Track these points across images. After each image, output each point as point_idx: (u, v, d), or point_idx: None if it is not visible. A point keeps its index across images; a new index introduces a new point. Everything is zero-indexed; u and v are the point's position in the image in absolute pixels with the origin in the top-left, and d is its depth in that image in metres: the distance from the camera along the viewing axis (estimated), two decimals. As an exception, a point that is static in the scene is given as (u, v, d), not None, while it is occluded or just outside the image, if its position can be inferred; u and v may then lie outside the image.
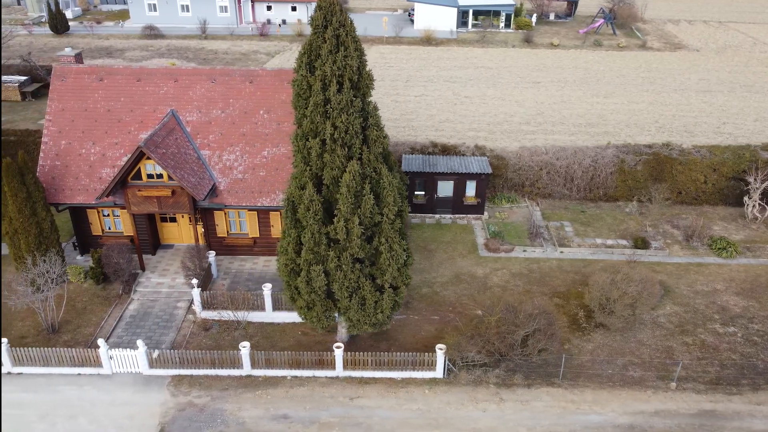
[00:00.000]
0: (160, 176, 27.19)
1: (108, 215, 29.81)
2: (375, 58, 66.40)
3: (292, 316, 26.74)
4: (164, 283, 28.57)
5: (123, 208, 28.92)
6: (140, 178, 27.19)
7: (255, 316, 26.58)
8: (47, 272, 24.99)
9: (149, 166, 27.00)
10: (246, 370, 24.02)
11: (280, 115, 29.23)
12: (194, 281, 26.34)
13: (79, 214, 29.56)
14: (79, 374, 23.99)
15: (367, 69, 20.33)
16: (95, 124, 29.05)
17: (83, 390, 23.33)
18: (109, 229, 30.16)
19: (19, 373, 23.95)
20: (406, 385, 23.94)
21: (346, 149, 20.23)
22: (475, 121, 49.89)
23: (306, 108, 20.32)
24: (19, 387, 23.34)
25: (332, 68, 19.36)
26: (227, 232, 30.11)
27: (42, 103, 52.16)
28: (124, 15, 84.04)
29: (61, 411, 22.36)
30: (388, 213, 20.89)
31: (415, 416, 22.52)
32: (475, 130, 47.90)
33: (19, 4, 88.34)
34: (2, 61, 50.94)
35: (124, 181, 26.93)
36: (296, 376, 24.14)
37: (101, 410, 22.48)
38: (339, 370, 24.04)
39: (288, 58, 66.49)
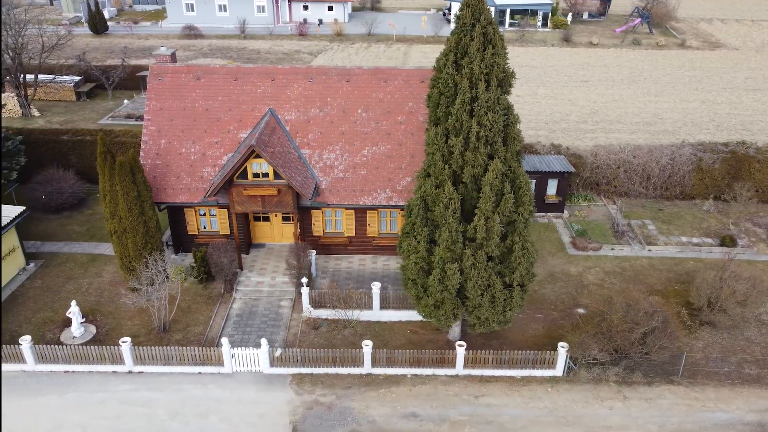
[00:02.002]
0: (265, 175, 27.18)
1: (204, 214, 29.81)
2: (418, 58, 66.48)
3: (399, 315, 26.78)
4: (264, 282, 28.55)
5: (222, 207, 28.93)
6: (245, 177, 27.19)
7: (361, 315, 26.54)
8: (164, 271, 25.01)
9: (255, 165, 27.00)
10: (366, 368, 24.03)
11: (378, 114, 29.22)
12: (304, 280, 26.34)
13: (176, 213, 29.57)
14: (200, 373, 23.99)
15: (509, 66, 20.31)
16: (194, 124, 29.06)
17: (207, 388, 23.33)
18: (205, 228, 30.17)
19: (140, 372, 23.96)
20: (527, 383, 23.94)
21: (488, 147, 20.24)
22: (532, 120, 49.91)
23: (448, 106, 20.32)
24: (144, 386, 23.35)
25: (480, 66, 19.36)
26: (323, 231, 30.10)
27: (96, 103, 52.26)
28: (158, 15, 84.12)
29: (191, 410, 22.37)
30: (523, 212, 20.89)
31: (543, 414, 22.52)
32: (534, 128, 47.93)
33: (51, 4, 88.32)
34: (60, 62, 50.96)
35: (229, 180, 26.93)
36: (416, 375, 24.15)
37: (229, 408, 22.48)
38: (459, 369, 24.05)
39: (331, 57, 66.55)
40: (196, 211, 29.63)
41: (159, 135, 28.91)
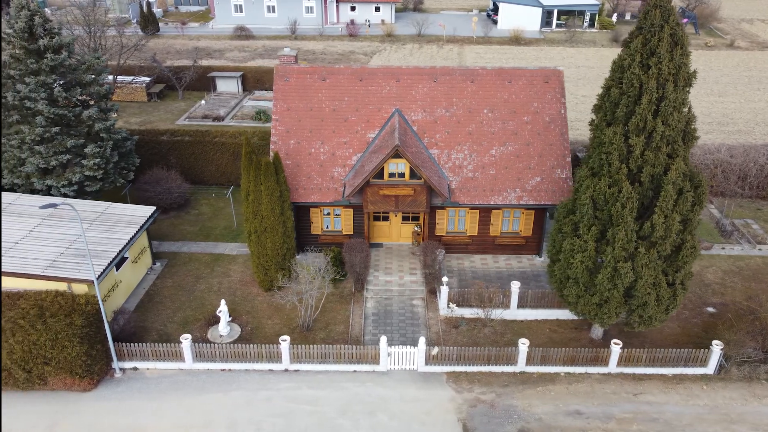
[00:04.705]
0: (401, 175, 27.40)
1: (329, 214, 29.98)
2: (473, 59, 66.65)
3: (535, 314, 26.96)
4: (393, 281, 28.73)
5: (351, 207, 29.09)
6: (381, 177, 27.41)
7: (498, 313, 26.70)
8: (319, 270, 25.18)
9: (392, 165, 27.23)
10: (520, 366, 24.20)
11: (504, 114, 29.40)
12: (444, 279, 26.51)
13: (301, 212, 29.73)
14: (355, 371, 24.16)
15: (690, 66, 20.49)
16: (322, 124, 29.25)
17: (366, 386, 23.50)
18: (327, 228, 30.33)
19: (295, 370, 24.14)
20: (680, 381, 24.12)
21: (669, 147, 20.44)
22: (605, 120, 50.10)
23: (628, 106, 20.48)
24: (304, 384, 23.52)
25: (668, 66, 19.55)
26: (445, 230, 30.28)
27: (167, 104, 52.46)
28: (203, 16, 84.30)
29: (358, 407, 22.53)
30: (698, 210, 21.09)
31: (706, 412, 22.69)
32: (610, 129, 48.09)
33: (95, 5, 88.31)
34: (140, 63, 51.26)
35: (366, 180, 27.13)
36: (569, 373, 24.32)
37: (394, 406, 22.65)
38: (612, 367, 24.22)
39: (387, 57, 66.74)
40: (321, 211, 29.80)
41: (288, 135, 29.10)
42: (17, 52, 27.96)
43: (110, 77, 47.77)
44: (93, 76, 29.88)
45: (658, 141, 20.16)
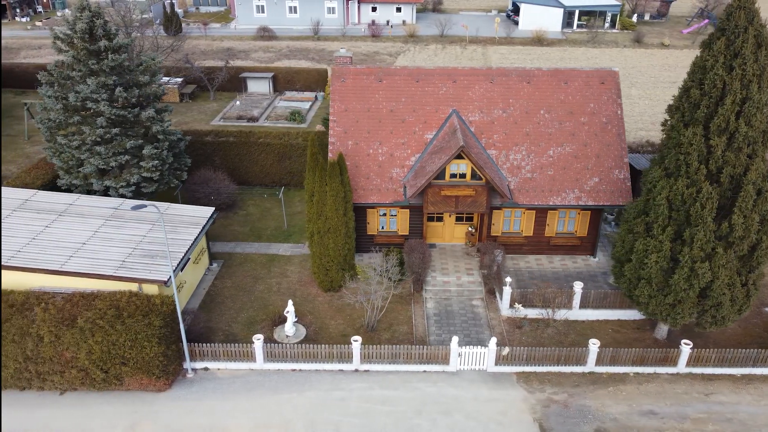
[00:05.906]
0: (462, 176, 27.50)
1: (384, 215, 30.04)
2: (498, 59, 66.76)
3: (597, 314, 27.04)
4: (450, 281, 28.81)
5: (408, 207, 29.17)
6: (442, 178, 27.50)
7: (562, 314, 26.78)
8: (387, 271, 25.26)
9: (453, 166, 27.32)
10: (589, 366, 24.28)
11: (561, 115, 29.49)
12: (507, 279, 26.58)
13: (358, 213, 29.78)
14: (425, 371, 24.24)
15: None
16: (379, 125, 29.33)
17: (438, 386, 23.57)
18: (383, 228, 30.40)
19: (365, 370, 24.21)
20: (749, 381, 24.20)
21: (749, 147, 20.53)
22: (638, 120, 50.28)
23: (709, 107, 20.56)
24: (377, 384, 23.59)
25: (753, 68, 19.64)
26: (501, 231, 30.36)
27: (199, 105, 52.55)
28: (223, 17, 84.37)
29: (432, 407, 22.60)
30: (775, 210, 21.19)
31: (779, 412, 22.79)
32: (644, 129, 48.32)
33: (113, 5, 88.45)
34: (171, 64, 51.32)
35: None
36: (638, 373, 24.40)
37: (469, 406, 22.71)
38: (680, 367, 24.30)
39: (412, 58, 66.84)
40: (377, 212, 29.87)
41: (346, 136, 29.18)
42: (78, 53, 28.02)
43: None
44: (149, 77, 29.95)
45: (740, 142, 20.25)
